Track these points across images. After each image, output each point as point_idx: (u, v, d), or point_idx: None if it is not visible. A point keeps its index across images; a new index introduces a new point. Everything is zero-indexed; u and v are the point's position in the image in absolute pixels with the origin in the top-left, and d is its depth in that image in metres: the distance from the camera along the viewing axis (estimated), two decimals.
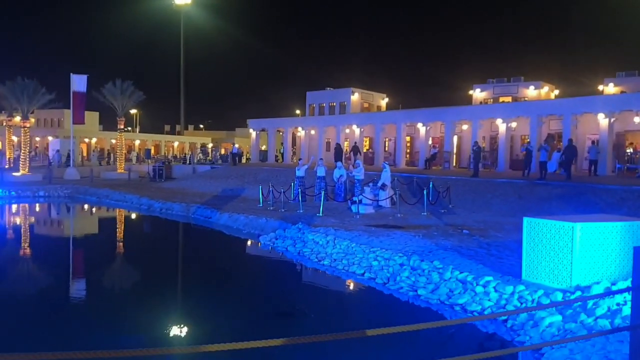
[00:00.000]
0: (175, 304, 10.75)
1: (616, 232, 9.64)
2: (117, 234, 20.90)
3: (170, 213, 24.15)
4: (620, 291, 5.48)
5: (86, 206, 29.76)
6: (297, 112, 53.93)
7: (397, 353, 8.17)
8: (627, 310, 7.78)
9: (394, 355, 8.13)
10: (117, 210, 27.00)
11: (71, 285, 12.73)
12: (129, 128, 73.36)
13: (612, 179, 23.81)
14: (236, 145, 42.44)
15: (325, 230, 15.73)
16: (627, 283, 8.84)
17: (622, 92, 33.89)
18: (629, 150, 29.58)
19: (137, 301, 11.09)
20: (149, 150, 51.07)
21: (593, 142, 27.20)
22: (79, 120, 40.29)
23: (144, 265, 15.17)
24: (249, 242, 17.51)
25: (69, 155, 42.64)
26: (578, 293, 9.08)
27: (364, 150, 40.70)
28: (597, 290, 8.86)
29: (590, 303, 8.49)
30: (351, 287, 12.03)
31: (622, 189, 19.31)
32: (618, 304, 8.18)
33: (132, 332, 8.98)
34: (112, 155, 50.18)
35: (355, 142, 37.59)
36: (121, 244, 18.89)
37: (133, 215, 25.59)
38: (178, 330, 9.10)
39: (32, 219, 25.14)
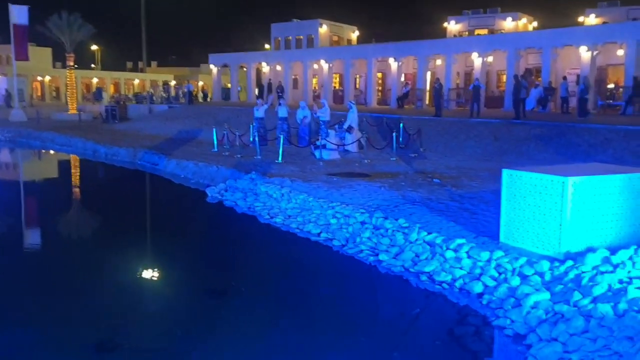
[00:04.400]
0: (80, 274, 8.94)
1: (615, 186, 8.02)
2: (44, 182, 18.87)
3: (115, 159, 22.05)
4: None
5: (24, 151, 27.30)
6: (267, 46, 50.80)
7: (350, 337, 6.56)
8: (634, 292, 6.21)
9: (346, 341, 6.52)
10: (58, 155, 24.80)
11: None
12: (92, 65, 69.28)
13: (594, 117, 22.29)
14: (190, 83, 39.69)
15: (280, 182, 13.90)
16: (630, 252, 7.27)
17: (604, 22, 31.96)
18: (611, 85, 27.99)
19: (31, 272, 9.24)
20: (99, 89, 47.57)
21: (564, 77, 25.43)
22: (22, 56, 36.91)
23: (55, 221, 13.13)
24: (194, 195, 15.52)
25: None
26: (569, 262, 7.51)
27: (334, 88, 38.48)
28: (593, 260, 7.28)
29: (585, 278, 6.92)
30: (303, 251, 10.31)
31: (606, 129, 17.79)
32: (621, 281, 6.60)
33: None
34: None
35: (280, 81, 35.91)
36: (42, 193, 16.84)
37: (72, 161, 23.47)
38: (77, 315, 7.33)
39: None
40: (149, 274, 9.20)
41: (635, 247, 7.42)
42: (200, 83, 58.90)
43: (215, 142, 20.89)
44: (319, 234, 10.79)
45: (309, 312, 7.59)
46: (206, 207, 13.87)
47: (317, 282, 8.85)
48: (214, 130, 21.38)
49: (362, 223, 10.69)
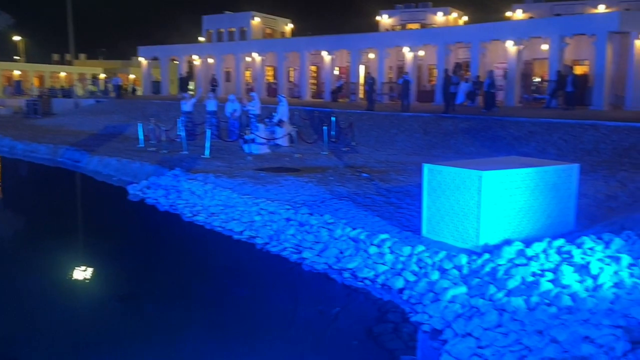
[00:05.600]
0: None
1: (529, 179, 8.12)
2: None
3: (34, 155, 20.90)
4: None
5: None
6: (201, 39, 49.60)
7: (267, 339, 6.31)
8: (546, 284, 6.26)
9: (262, 343, 6.27)
10: None
11: None
12: (16, 57, 65.53)
13: (520, 110, 22.92)
14: (118, 77, 38.25)
15: (204, 178, 13.46)
16: (543, 244, 7.36)
17: (530, 18, 32.93)
18: (537, 79, 28.87)
19: None
20: (18, 83, 44.90)
21: (490, 72, 25.83)
22: None
23: None
24: (115, 193, 14.82)
25: None
26: (486, 256, 7.53)
27: (268, 81, 38.02)
28: (509, 253, 7.32)
29: (501, 271, 6.94)
30: (225, 250, 9.98)
31: (530, 122, 18.25)
32: (534, 274, 6.65)
33: None
34: None
35: (213, 74, 35.37)
36: None
37: None
38: None
39: None
40: (59, 278, 8.64)
41: (549, 239, 7.52)
42: (132, 76, 56.91)
43: (141, 138, 20.13)
44: (242, 232, 10.49)
45: (226, 315, 7.30)
46: (126, 205, 13.26)
47: (237, 282, 8.54)
48: (139, 125, 20.58)
49: (287, 220, 10.46)
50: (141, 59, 41.39)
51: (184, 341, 6.45)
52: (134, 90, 44.05)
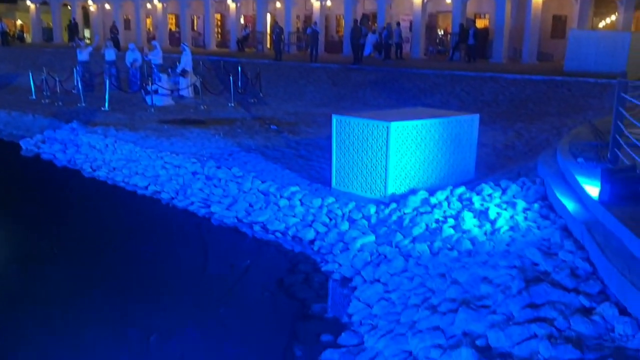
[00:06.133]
0: None
1: (434, 130, 8.36)
2: None
3: None
4: None
5: None
6: None
7: (176, 295, 6.18)
8: (448, 230, 6.52)
9: (170, 301, 6.14)
10: None
11: None
12: None
13: (425, 62, 23.42)
14: (3, 22, 35.02)
15: (104, 131, 12.78)
16: (446, 192, 7.64)
17: None
18: (441, 32, 29.51)
19: None
20: None
21: (398, 23, 25.94)
22: None
23: None
24: (5, 148, 13.73)
25: None
26: (393, 205, 7.73)
27: (170, 29, 36.29)
28: (414, 202, 7.55)
29: (406, 219, 7.16)
30: (129, 206, 9.59)
31: (435, 74, 18.73)
32: (437, 221, 6.90)
33: None
34: None
35: (114, 21, 33.40)
36: None
37: None
38: None
39: None
40: None
41: (451, 187, 7.82)
42: (19, 22, 52.39)
43: (33, 89, 18.70)
44: (146, 187, 10.13)
45: (133, 273, 7.06)
46: (20, 161, 12.41)
47: (142, 239, 8.25)
48: (30, 75, 19.08)
49: (194, 173, 10.21)
50: (29, 3, 38.05)
51: (88, 303, 6.19)
52: (21, 37, 40.60)
